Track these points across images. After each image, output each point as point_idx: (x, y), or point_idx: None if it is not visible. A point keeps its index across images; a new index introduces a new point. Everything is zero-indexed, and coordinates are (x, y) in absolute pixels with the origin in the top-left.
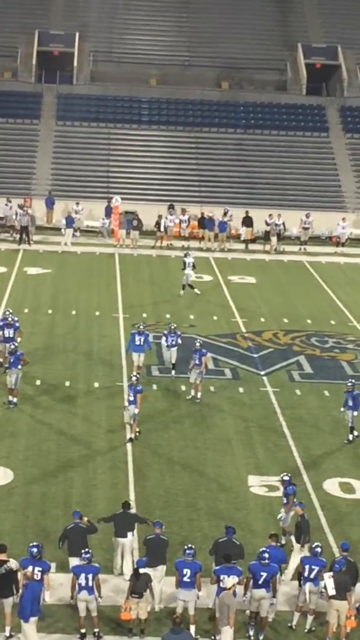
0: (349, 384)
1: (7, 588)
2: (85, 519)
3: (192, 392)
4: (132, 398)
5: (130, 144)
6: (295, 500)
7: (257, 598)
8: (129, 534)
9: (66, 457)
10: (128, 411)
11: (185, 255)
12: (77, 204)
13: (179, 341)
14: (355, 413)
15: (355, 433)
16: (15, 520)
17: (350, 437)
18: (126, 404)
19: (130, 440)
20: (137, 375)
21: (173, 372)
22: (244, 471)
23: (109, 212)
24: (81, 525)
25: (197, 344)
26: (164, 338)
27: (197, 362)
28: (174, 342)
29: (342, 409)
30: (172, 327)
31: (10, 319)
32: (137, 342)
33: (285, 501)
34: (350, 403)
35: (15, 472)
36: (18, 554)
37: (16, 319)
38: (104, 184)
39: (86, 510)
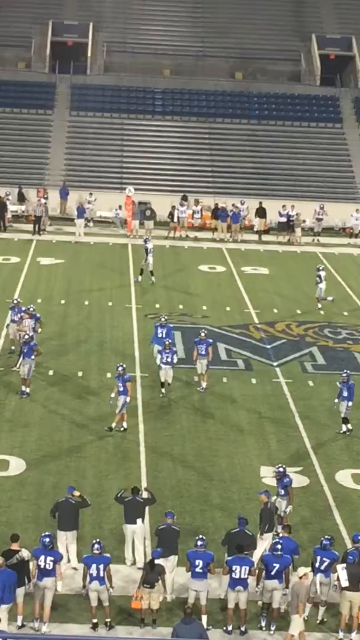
0: (344, 375)
1: (19, 578)
2: (77, 493)
3: (203, 384)
4: (122, 388)
5: (144, 134)
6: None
7: (270, 589)
8: (139, 521)
9: (78, 448)
10: (118, 401)
11: (146, 241)
12: (91, 194)
13: (175, 359)
14: (350, 403)
15: (350, 426)
16: (28, 510)
17: (344, 428)
18: (113, 395)
19: (110, 429)
20: (123, 366)
21: (163, 390)
22: (256, 462)
23: None
24: (71, 500)
25: (202, 334)
26: (155, 349)
27: (203, 352)
28: (169, 360)
29: (335, 400)
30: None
31: (31, 308)
32: (160, 335)
33: (283, 492)
34: (345, 394)
35: (28, 462)
36: (30, 544)
37: (32, 307)
38: (117, 174)
39: (98, 501)
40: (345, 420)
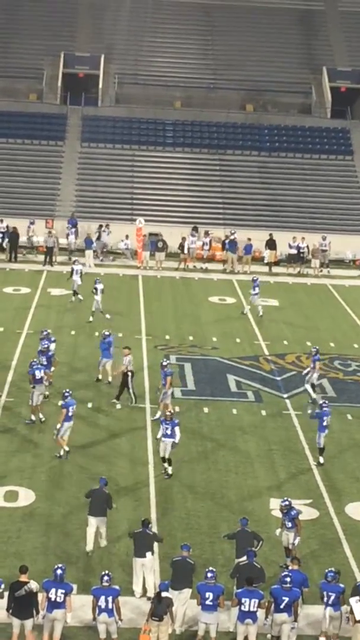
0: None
1: (28, 609)
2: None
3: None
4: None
5: (155, 166)
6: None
7: (279, 622)
8: (148, 554)
9: (88, 479)
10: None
11: (96, 282)
12: (107, 225)
13: (177, 432)
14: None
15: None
16: (37, 541)
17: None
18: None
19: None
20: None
21: (170, 469)
22: (266, 494)
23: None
24: (105, 490)
25: (164, 362)
26: (161, 420)
27: (163, 382)
28: (168, 432)
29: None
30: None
31: (46, 332)
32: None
33: (290, 525)
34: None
35: (37, 493)
36: (39, 576)
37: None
38: (127, 205)
39: (108, 532)
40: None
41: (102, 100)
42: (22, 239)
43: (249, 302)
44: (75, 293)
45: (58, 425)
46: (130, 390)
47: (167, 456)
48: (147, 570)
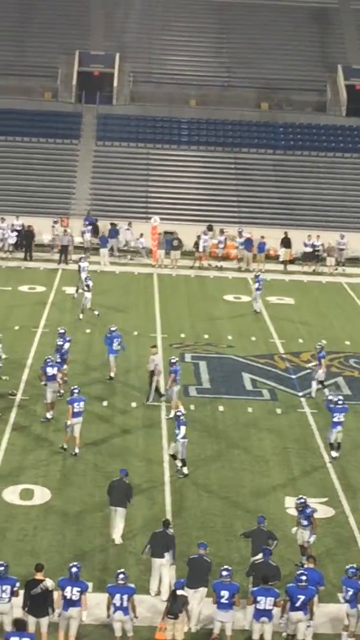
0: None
1: (43, 607)
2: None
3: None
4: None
5: (170, 164)
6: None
7: (295, 621)
8: (166, 555)
9: (102, 477)
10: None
11: (86, 279)
12: (130, 223)
13: (181, 431)
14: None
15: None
16: (52, 539)
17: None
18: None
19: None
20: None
21: (185, 470)
22: (281, 493)
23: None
24: (125, 481)
25: (173, 360)
26: (176, 420)
27: (176, 377)
28: (179, 434)
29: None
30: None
31: (62, 330)
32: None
33: (306, 523)
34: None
35: (53, 492)
36: (54, 574)
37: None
38: (142, 204)
39: (124, 530)
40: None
41: (117, 98)
42: (46, 237)
43: (253, 299)
44: (77, 289)
45: (68, 422)
46: (152, 389)
47: (180, 457)
48: (165, 571)
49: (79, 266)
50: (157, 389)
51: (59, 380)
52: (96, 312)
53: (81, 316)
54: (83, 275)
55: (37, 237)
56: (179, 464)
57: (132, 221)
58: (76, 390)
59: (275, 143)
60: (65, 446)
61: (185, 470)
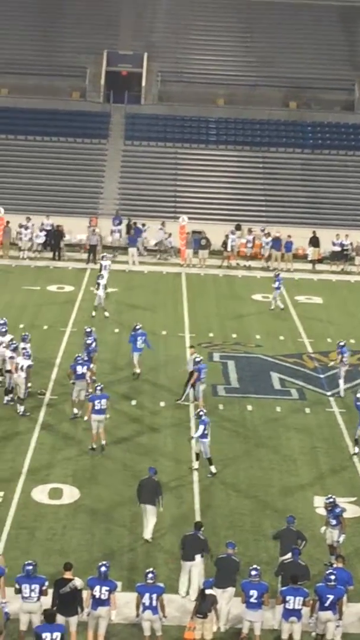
0: None
1: (72, 607)
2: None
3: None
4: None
5: (198, 163)
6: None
7: (324, 620)
8: (197, 557)
9: (131, 476)
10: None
11: (98, 278)
12: (143, 225)
13: (199, 430)
14: None
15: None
16: (81, 538)
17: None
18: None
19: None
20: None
21: (213, 469)
22: (310, 492)
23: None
24: (154, 479)
25: (197, 359)
26: (200, 423)
27: (202, 375)
28: (198, 433)
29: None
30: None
31: (89, 329)
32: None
33: (334, 522)
34: None
35: (82, 491)
36: (83, 573)
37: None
38: (170, 203)
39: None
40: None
41: (145, 98)
42: (79, 236)
43: (273, 298)
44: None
45: (85, 418)
46: (187, 389)
47: (204, 456)
48: (195, 573)
49: (100, 264)
50: (193, 388)
51: (88, 379)
52: (106, 314)
53: (94, 314)
54: (104, 273)
55: (66, 236)
56: (196, 465)
57: (164, 221)
58: (99, 388)
59: (303, 142)
60: (94, 446)
61: (213, 469)
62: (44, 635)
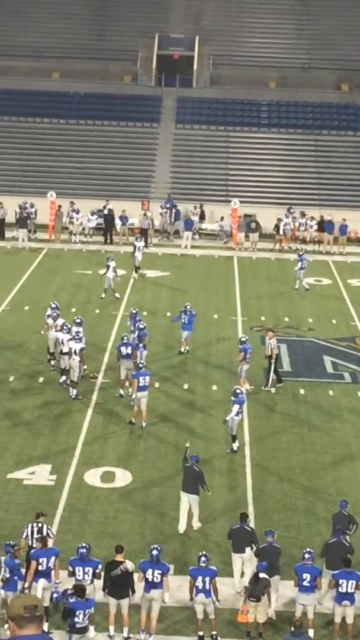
0: None
1: (124, 589)
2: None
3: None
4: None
5: (249, 146)
6: None
7: None
8: (247, 549)
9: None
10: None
11: (108, 260)
12: (195, 207)
13: (233, 410)
14: None
15: None
16: (134, 521)
17: None
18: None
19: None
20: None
21: (234, 446)
22: None
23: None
24: (195, 468)
25: (244, 339)
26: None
27: (247, 356)
28: (239, 411)
29: None
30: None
31: (134, 310)
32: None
33: None
34: None
35: (134, 474)
36: (135, 556)
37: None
38: (222, 187)
39: (204, 513)
40: None
41: (197, 81)
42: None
43: (298, 277)
44: (137, 269)
45: (133, 395)
46: (270, 374)
47: (230, 432)
48: (246, 565)
49: (134, 246)
50: (276, 373)
51: (133, 360)
52: (117, 295)
53: (103, 295)
54: (138, 255)
55: (116, 220)
56: (235, 447)
57: (202, 203)
58: (141, 365)
59: (356, 125)
60: (133, 420)
61: (235, 446)
62: (77, 612)
